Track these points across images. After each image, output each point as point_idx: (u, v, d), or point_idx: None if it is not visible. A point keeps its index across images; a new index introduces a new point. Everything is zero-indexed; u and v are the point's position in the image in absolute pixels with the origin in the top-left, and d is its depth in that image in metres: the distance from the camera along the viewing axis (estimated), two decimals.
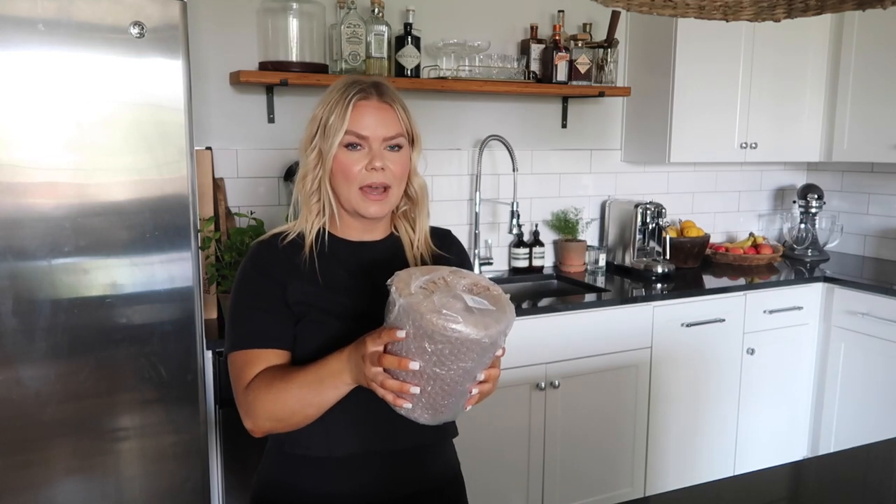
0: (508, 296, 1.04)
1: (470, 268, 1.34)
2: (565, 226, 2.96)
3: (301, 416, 1.12)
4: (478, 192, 2.82)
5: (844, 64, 3.03)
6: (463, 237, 2.80)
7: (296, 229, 1.25)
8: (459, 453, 1.36)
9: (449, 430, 1.30)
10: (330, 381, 1.09)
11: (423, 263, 1.29)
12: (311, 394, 1.10)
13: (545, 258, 2.99)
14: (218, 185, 2.19)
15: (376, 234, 1.29)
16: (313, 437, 1.18)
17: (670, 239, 2.94)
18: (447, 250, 1.35)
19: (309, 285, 1.20)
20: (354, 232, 1.27)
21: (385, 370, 1.00)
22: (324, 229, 1.25)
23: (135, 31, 1.65)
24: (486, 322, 0.95)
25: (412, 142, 1.27)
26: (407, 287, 0.98)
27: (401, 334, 0.97)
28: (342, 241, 1.26)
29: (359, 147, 1.20)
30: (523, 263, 2.91)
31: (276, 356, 1.17)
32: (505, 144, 2.75)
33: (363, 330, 1.09)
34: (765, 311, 2.79)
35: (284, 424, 1.15)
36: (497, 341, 0.98)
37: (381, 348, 1.01)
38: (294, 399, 1.11)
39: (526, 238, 2.93)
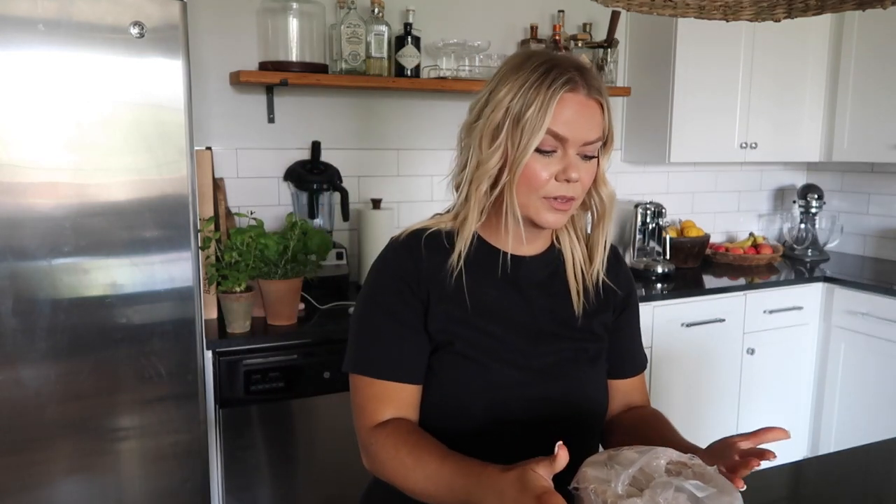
0: (715, 467, 0.87)
1: (636, 304, 1.18)
2: None
3: (413, 493, 0.96)
4: None
5: (844, 63, 3.03)
6: None
7: (442, 226, 1.06)
8: None
9: None
10: (459, 494, 0.87)
11: (587, 289, 1.09)
12: (432, 487, 0.92)
13: None
14: (218, 185, 2.19)
15: (536, 246, 1.09)
16: None
17: (670, 239, 2.94)
18: (615, 278, 1.14)
19: (455, 308, 1.02)
20: (513, 241, 1.05)
21: None
22: (475, 234, 1.06)
23: (135, 31, 1.65)
24: None
25: (605, 143, 1.03)
26: (611, 490, 0.79)
27: None
28: (494, 251, 1.06)
29: (552, 152, 0.98)
30: None
31: (407, 393, 1.01)
32: None
33: (514, 365, 0.99)
34: (765, 311, 2.79)
35: (397, 486, 0.99)
36: None
37: None
38: (413, 481, 0.94)
39: None
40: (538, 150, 0.97)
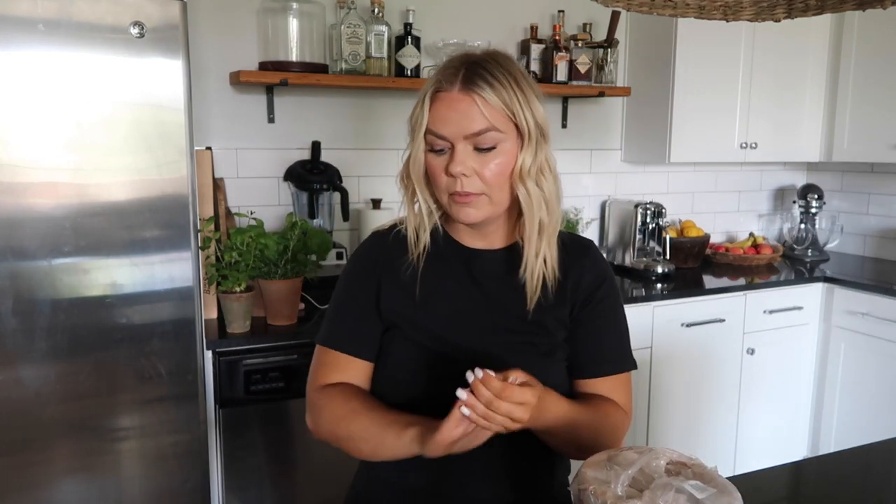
0: (715, 467, 0.88)
1: (608, 301, 1.14)
2: (565, 226, 2.96)
3: (355, 445, 1.05)
4: None
5: (844, 63, 3.03)
6: None
7: (411, 224, 1.13)
8: None
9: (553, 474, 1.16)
10: (400, 445, 0.99)
11: (546, 286, 1.09)
12: (375, 427, 1.02)
13: None
14: (218, 185, 2.19)
15: (493, 241, 1.13)
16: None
17: (670, 239, 2.94)
18: (578, 274, 1.13)
19: (405, 296, 1.10)
20: (467, 237, 1.13)
21: None
22: (441, 228, 1.12)
23: (135, 31, 1.65)
24: None
25: (524, 136, 1.04)
26: (611, 491, 0.80)
27: None
28: (456, 245, 1.13)
29: (443, 149, 1.03)
30: None
31: (356, 366, 1.11)
32: None
33: (454, 352, 1.04)
34: (765, 311, 2.79)
35: (339, 444, 1.08)
36: None
37: None
38: (357, 425, 1.04)
39: None
40: (432, 150, 1.04)
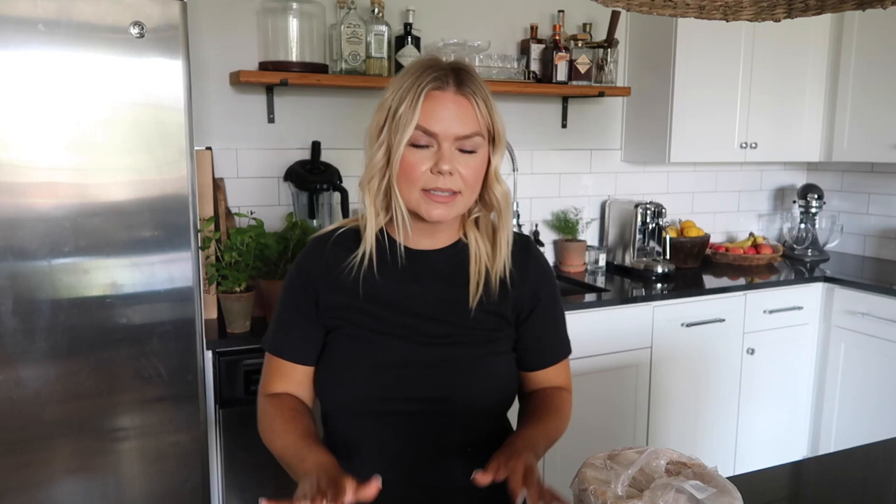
0: (715, 467, 0.89)
1: (550, 297, 1.21)
2: (565, 226, 2.96)
3: (275, 455, 1.11)
4: None
5: (844, 63, 3.03)
6: None
7: (352, 225, 1.17)
8: None
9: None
10: (296, 465, 1.05)
11: (489, 283, 1.14)
12: (286, 455, 1.08)
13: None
14: (218, 185, 2.19)
15: (439, 240, 1.16)
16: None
17: (670, 239, 2.94)
18: (521, 272, 1.18)
19: (347, 296, 1.13)
20: (414, 236, 1.14)
21: None
22: (383, 230, 1.14)
23: (135, 31, 1.65)
24: None
25: (493, 141, 1.10)
26: (611, 491, 0.81)
27: None
28: (395, 244, 1.15)
29: (426, 146, 1.06)
30: None
31: (297, 372, 1.16)
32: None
33: (403, 346, 1.09)
34: (765, 311, 2.79)
35: (268, 447, 1.14)
36: None
37: None
38: (276, 446, 1.10)
39: None
40: (413, 145, 1.05)
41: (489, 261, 1.15)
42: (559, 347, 1.25)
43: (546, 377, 1.24)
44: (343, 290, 1.13)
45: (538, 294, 1.20)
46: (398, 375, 1.11)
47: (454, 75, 1.06)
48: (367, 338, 1.12)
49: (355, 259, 1.13)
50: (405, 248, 1.15)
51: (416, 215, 1.10)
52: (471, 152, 1.07)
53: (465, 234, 1.17)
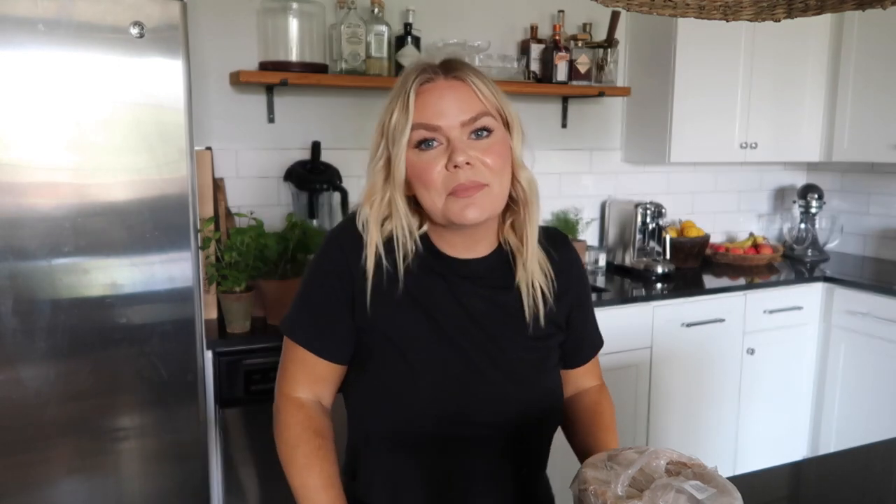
0: (715, 467, 0.86)
1: (586, 289, 1.16)
2: (565, 226, 2.96)
3: (289, 483, 1.03)
4: None
5: (844, 63, 3.03)
6: None
7: (390, 231, 1.03)
8: None
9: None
10: None
11: (535, 289, 1.04)
12: (301, 496, 1.01)
13: None
14: (218, 185, 2.19)
15: (480, 249, 1.05)
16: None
17: (670, 239, 2.94)
18: (565, 272, 1.09)
19: (383, 306, 1.01)
20: (454, 247, 1.03)
21: None
22: (424, 236, 1.04)
23: (135, 31, 1.65)
24: None
25: (506, 126, 1.00)
26: (611, 491, 0.79)
27: None
28: (440, 255, 1.04)
29: (434, 143, 0.96)
30: None
31: (324, 368, 1.05)
32: None
33: (462, 366, 0.99)
34: (765, 311, 2.79)
35: (282, 465, 1.06)
36: None
37: None
38: (292, 478, 1.02)
39: None
40: (419, 147, 0.96)
41: (538, 266, 1.06)
42: (595, 340, 1.20)
43: (584, 373, 1.19)
44: (381, 296, 1.02)
45: (580, 291, 1.14)
46: (458, 400, 1.01)
47: (442, 66, 0.99)
48: (418, 359, 1.01)
49: (400, 270, 1.01)
50: (446, 255, 1.04)
51: (450, 224, 0.99)
52: (485, 134, 0.97)
53: (504, 241, 1.07)
